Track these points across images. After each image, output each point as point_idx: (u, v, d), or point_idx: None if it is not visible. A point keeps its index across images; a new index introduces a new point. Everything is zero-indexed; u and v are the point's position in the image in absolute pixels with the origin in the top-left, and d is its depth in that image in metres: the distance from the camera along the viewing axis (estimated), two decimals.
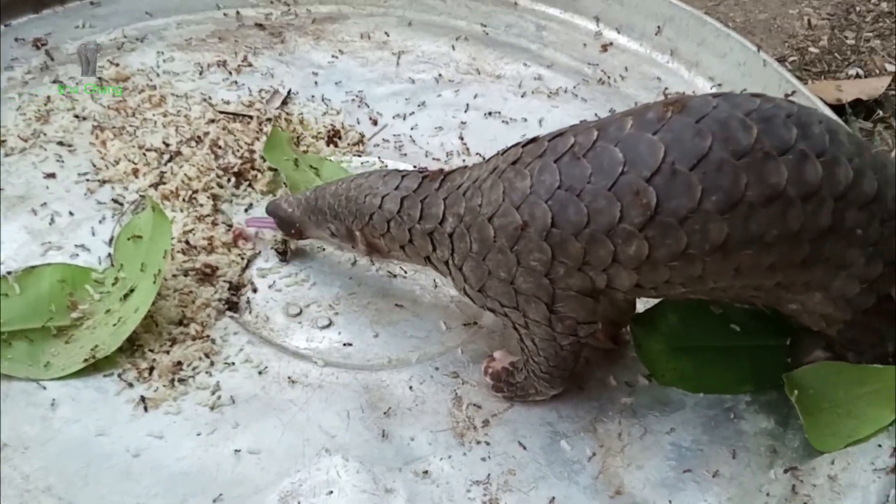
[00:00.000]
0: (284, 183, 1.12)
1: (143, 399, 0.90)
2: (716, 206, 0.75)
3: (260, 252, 1.07)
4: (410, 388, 0.95)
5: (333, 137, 1.23)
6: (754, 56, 1.32)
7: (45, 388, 0.90)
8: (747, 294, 0.84)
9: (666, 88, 1.36)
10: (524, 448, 0.90)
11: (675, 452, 0.90)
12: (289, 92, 1.30)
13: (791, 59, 1.50)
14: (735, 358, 0.95)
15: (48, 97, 1.24)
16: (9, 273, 0.95)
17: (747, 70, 1.33)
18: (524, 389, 0.92)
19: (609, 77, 1.39)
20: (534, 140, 0.84)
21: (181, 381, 0.93)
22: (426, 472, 0.87)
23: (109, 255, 1.03)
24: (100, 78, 1.28)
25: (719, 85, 1.36)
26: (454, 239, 0.85)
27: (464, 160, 1.22)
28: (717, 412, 0.94)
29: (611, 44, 1.46)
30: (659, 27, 1.42)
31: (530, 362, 0.90)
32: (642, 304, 0.97)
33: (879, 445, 0.89)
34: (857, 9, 1.59)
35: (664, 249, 0.77)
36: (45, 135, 1.18)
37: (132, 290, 0.96)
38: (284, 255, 1.06)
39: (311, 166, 1.15)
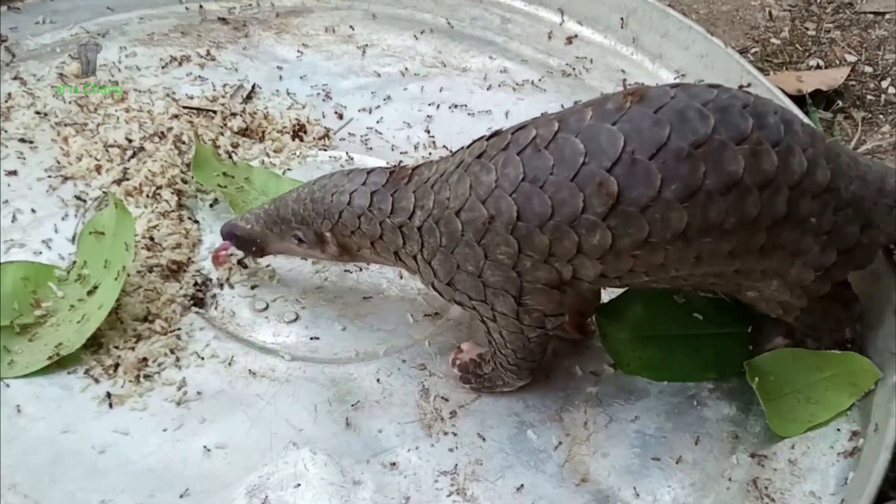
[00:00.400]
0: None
1: (108, 395, 0.91)
2: (675, 195, 0.77)
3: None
4: (378, 380, 0.96)
5: (299, 132, 1.24)
6: (716, 48, 1.33)
7: (8, 385, 0.91)
8: (708, 282, 0.86)
9: (625, 80, 1.38)
10: (491, 438, 0.91)
11: (640, 440, 0.92)
12: (253, 86, 1.31)
13: (753, 50, 1.52)
14: (698, 346, 0.97)
15: (9, 94, 1.23)
16: None
17: (710, 61, 1.34)
18: (491, 381, 0.93)
19: (574, 69, 1.40)
20: (497, 133, 0.85)
21: (147, 377, 0.93)
22: (394, 463, 0.89)
23: (72, 252, 1.03)
24: (61, 74, 1.28)
25: (682, 76, 1.38)
26: (423, 233, 0.86)
27: (430, 153, 1.23)
28: (681, 399, 0.96)
29: (575, 36, 1.47)
30: (623, 19, 1.44)
31: (498, 354, 0.91)
32: (607, 295, 0.98)
33: (838, 430, 0.91)
34: (818, 0, 1.62)
35: (627, 238, 0.79)
36: (6, 132, 1.18)
37: (96, 287, 0.97)
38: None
39: (243, 178, 1.13)
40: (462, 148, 0.89)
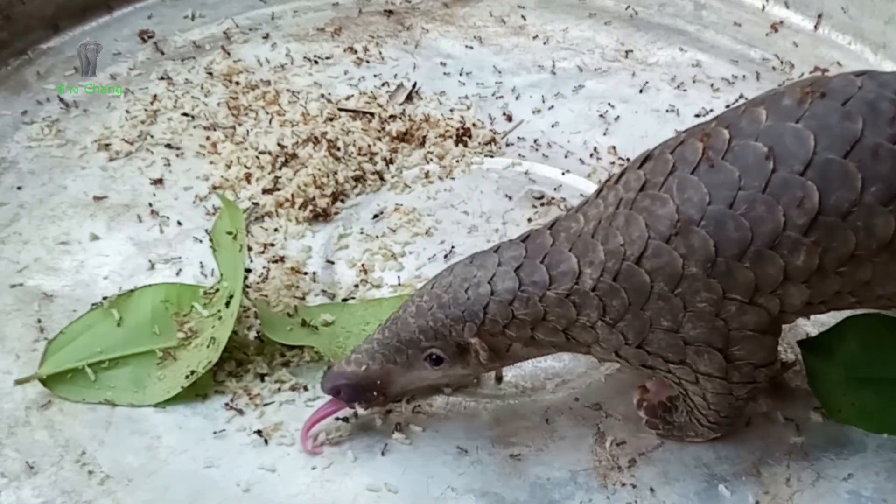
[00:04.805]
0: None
1: (259, 433, 0.93)
2: (877, 197, 0.75)
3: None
4: (547, 420, 0.95)
5: (462, 136, 1.25)
6: None
7: (150, 415, 0.94)
8: None
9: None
10: (676, 493, 0.89)
11: (854, 502, 0.89)
12: (414, 85, 1.33)
13: None
14: None
15: (155, 95, 1.30)
16: (104, 299, 1.00)
17: None
18: (682, 430, 0.92)
19: (781, 62, 1.37)
20: (647, 158, 0.83)
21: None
22: None
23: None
24: (210, 73, 1.34)
25: None
26: (601, 295, 0.81)
27: (611, 162, 1.22)
28: None
29: (781, 23, 1.43)
30: (841, 5, 1.40)
31: (695, 412, 0.89)
32: (814, 327, 0.95)
33: None
34: None
35: (832, 254, 0.76)
36: (151, 137, 1.24)
37: (231, 297, 0.98)
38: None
39: (318, 320, 1.02)
40: (604, 188, 0.85)
